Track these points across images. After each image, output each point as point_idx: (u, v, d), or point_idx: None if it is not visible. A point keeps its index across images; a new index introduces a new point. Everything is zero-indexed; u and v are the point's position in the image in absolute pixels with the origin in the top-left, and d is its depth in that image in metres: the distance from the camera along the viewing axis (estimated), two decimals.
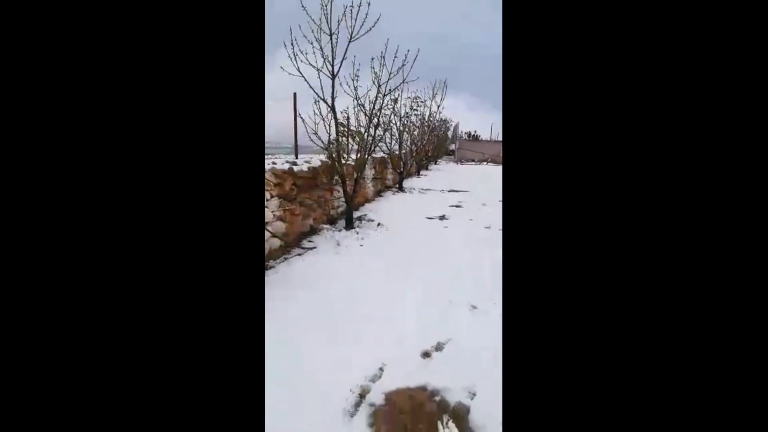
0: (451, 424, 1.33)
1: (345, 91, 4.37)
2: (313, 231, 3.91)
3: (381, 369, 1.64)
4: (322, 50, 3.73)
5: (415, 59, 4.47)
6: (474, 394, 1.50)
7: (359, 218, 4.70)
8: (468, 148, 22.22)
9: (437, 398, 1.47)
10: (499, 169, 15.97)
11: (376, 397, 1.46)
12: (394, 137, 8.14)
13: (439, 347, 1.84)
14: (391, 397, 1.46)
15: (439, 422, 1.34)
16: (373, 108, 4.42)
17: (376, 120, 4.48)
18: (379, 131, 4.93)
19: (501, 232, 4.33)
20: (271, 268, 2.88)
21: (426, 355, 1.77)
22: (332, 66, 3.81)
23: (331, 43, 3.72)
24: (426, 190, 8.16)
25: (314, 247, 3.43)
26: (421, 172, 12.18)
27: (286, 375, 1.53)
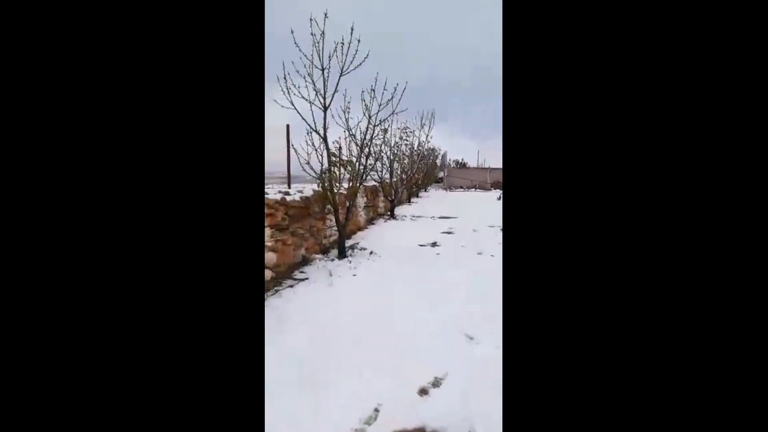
0: None
1: (337, 123, 4.49)
2: (305, 261, 3.85)
3: (377, 410, 1.57)
4: (314, 84, 3.85)
5: (403, 92, 4.64)
6: None
7: (351, 247, 4.66)
8: (456, 176, 22.69)
9: None
10: (488, 195, 16.26)
11: None
12: (385, 166, 8.28)
13: (436, 383, 1.77)
14: None
15: None
16: (364, 138, 4.52)
17: (367, 150, 4.56)
18: (371, 160, 5.01)
19: (492, 257, 4.33)
20: None
21: (423, 392, 1.70)
22: (324, 99, 3.92)
23: (323, 77, 3.85)
24: (417, 217, 8.21)
25: (306, 278, 3.37)
26: (412, 200, 12.30)
27: (273, 419, 1.44)
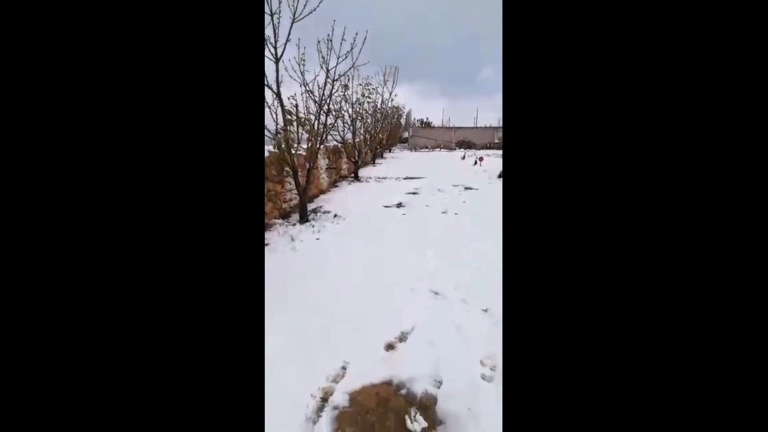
0: (419, 416, 1.30)
1: (291, 77, 4.12)
2: (265, 227, 3.69)
3: (344, 368, 1.57)
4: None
5: (364, 42, 4.32)
6: (440, 382, 1.48)
7: (314, 210, 4.52)
8: (421, 135, 22.53)
9: (403, 391, 1.43)
10: (452, 154, 16.33)
11: (340, 398, 1.38)
12: (346, 125, 7.94)
13: (402, 338, 1.80)
14: (355, 397, 1.39)
15: (407, 416, 1.30)
16: (323, 94, 4.22)
17: (326, 107, 4.29)
18: (331, 119, 4.74)
19: (456, 216, 4.41)
20: None
21: (390, 347, 1.73)
22: (275, 48, 3.54)
23: (273, 23, 3.45)
24: (382, 178, 8.12)
25: (267, 244, 3.23)
26: (377, 161, 12.10)
27: None
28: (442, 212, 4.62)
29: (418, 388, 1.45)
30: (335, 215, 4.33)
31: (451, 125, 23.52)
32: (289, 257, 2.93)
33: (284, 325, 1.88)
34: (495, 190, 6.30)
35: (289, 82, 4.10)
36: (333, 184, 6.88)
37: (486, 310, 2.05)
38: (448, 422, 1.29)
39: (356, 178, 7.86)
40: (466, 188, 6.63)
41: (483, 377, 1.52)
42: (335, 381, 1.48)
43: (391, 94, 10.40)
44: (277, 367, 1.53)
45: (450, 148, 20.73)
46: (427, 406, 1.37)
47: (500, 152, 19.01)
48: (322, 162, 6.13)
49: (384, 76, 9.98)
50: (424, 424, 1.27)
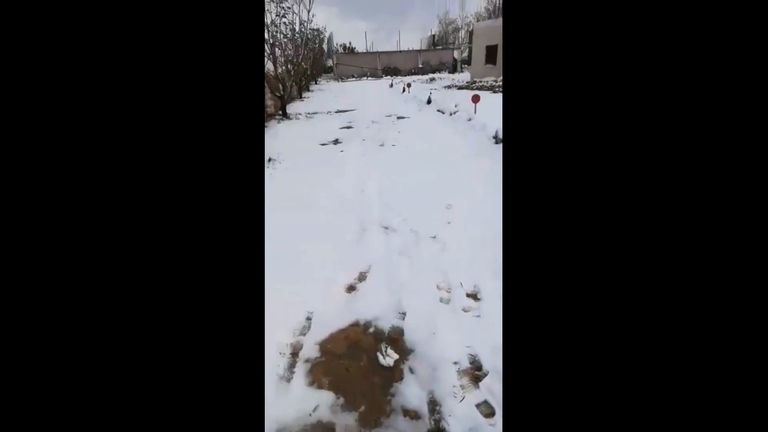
0: (389, 350, 1.35)
1: None
2: None
3: (309, 318, 1.53)
4: None
5: None
6: (404, 314, 1.54)
7: None
8: (346, 63, 20.97)
9: (371, 330, 1.46)
10: (380, 83, 15.59)
11: (310, 350, 1.37)
12: (265, 53, 6.92)
13: (361, 277, 1.80)
14: (325, 345, 1.39)
15: (378, 353, 1.34)
16: None
17: None
18: None
19: (394, 147, 4.34)
20: None
21: (351, 288, 1.72)
22: None
23: None
24: (313, 113, 7.57)
25: None
26: (304, 95, 11.09)
27: None
28: (380, 145, 4.51)
29: (385, 324, 1.49)
30: (269, 159, 3.97)
31: (375, 50, 22.12)
32: None
33: None
34: (425, 118, 6.32)
35: None
36: None
37: (434, 237, 2.13)
38: (417, 350, 1.37)
39: (285, 115, 7.17)
40: (399, 118, 6.50)
41: (441, 300, 1.61)
42: (303, 334, 1.45)
43: (309, 13, 9.13)
44: None
45: (377, 76, 19.77)
46: (395, 338, 1.42)
47: (425, 77, 18.51)
48: None
49: None
50: (396, 356, 1.33)
